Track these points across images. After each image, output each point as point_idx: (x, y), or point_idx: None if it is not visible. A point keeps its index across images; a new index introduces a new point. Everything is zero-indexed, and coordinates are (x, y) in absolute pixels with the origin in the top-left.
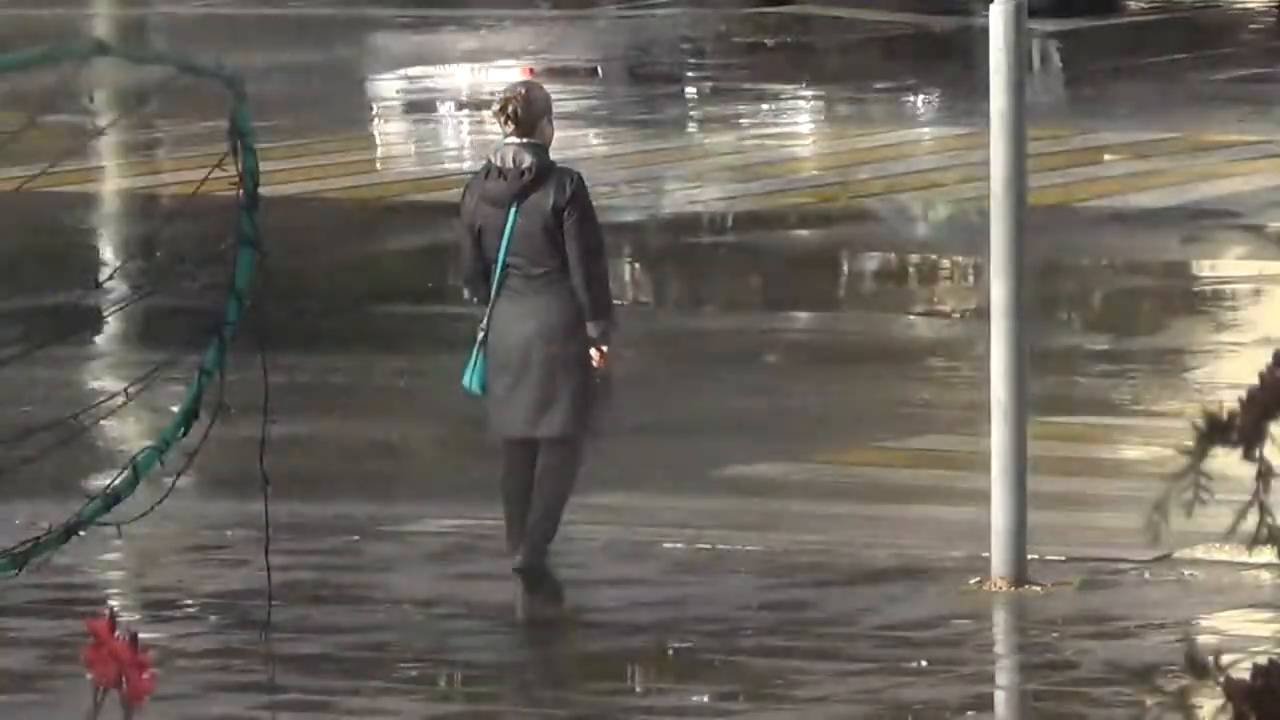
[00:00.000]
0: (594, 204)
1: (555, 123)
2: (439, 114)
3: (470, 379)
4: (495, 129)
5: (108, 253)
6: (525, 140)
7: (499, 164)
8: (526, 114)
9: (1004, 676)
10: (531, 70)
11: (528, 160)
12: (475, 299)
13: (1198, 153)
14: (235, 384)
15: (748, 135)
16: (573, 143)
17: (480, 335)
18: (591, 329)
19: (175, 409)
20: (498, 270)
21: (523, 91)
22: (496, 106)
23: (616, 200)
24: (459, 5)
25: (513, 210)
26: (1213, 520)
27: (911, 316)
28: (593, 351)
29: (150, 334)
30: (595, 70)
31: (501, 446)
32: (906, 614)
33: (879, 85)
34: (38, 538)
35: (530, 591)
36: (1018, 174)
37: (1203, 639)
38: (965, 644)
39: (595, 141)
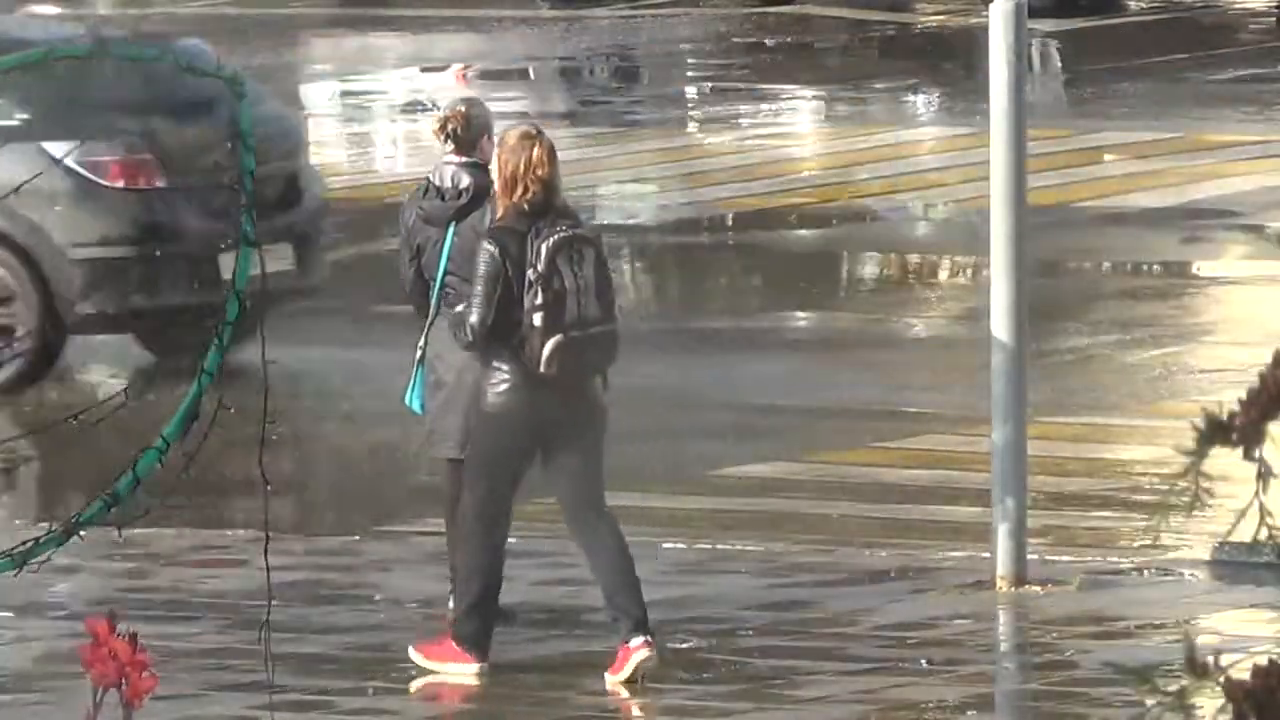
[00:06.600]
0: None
1: (563, 122)
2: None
3: (410, 397)
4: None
5: None
6: (465, 160)
7: (437, 183)
8: (466, 133)
9: (1004, 676)
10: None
11: (466, 181)
12: (418, 314)
13: (1198, 153)
14: (236, 384)
15: (748, 135)
16: (563, 145)
17: (419, 353)
18: None
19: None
20: (436, 288)
21: (462, 110)
22: (436, 125)
23: (615, 201)
24: (460, 5)
25: (450, 230)
26: (1212, 520)
27: (911, 316)
28: None
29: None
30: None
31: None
32: (906, 614)
33: (879, 85)
34: (38, 538)
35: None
36: (1018, 174)
37: (1203, 639)
38: (965, 644)
39: (589, 142)
